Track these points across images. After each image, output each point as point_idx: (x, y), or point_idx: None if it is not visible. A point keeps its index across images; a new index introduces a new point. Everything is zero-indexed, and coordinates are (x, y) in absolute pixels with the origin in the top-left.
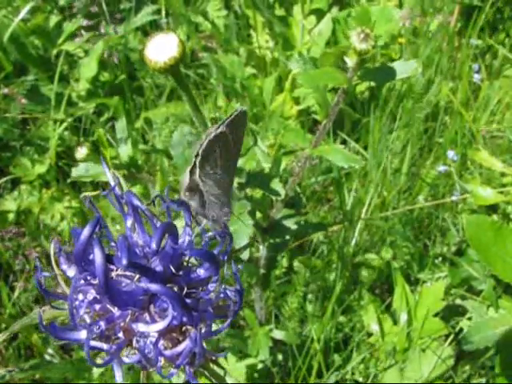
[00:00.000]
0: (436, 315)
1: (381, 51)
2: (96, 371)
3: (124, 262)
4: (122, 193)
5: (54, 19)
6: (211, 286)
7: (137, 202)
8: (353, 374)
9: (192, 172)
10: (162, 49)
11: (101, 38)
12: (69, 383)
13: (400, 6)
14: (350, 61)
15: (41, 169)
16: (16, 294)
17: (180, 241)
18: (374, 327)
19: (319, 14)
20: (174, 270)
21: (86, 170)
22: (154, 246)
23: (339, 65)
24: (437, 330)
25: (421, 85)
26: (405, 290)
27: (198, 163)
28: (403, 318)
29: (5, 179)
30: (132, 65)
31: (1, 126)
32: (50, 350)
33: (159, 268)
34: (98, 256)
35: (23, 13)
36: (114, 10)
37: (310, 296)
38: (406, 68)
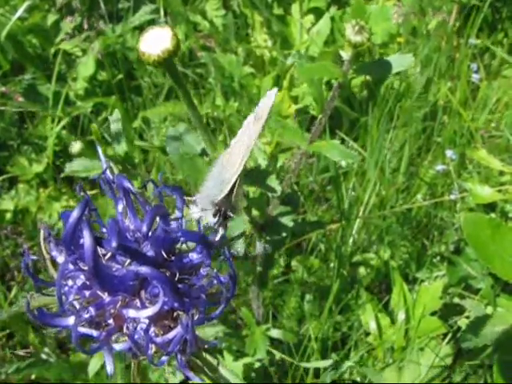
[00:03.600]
0: (434, 314)
1: (379, 50)
2: (91, 370)
3: (114, 244)
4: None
5: (51, 18)
6: (204, 271)
7: (128, 185)
8: (351, 373)
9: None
10: (155, 42)
11: (99, 37)
12: (65, 383)
13: (397, 4)
14: (346, 54)
15: (38, 168)
16: (13, 293)
17: (172, 225)
18: (372, 326)
19: (317, 12)
20: (165, 255)
21: (79, 165)
22: (144, 228)
23: (337, 61)
24: (435, 328)
25: (419, 84)
26: (403, 289)
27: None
28: (401, 316)
29: (2, 178)
30: (130, 64)
31: None
32: (46, 350)
33: (150, 253)
34: (86, 238)
35: (20, 11)
36: (112, 8)
37: (307, 295)
38: (402, 62)
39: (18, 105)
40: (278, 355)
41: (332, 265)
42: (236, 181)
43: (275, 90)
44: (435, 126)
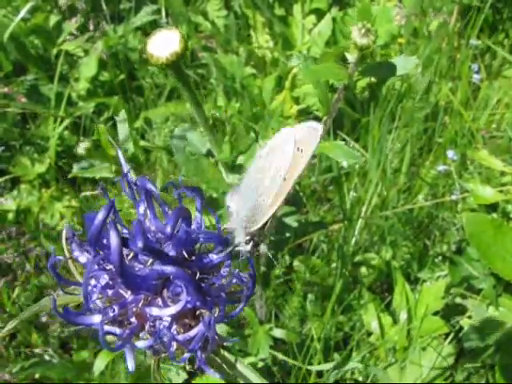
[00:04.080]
0: (436, 314)
1: (380, 51)
2: (97, 369)
3: (139, 245)
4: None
5: (53, 19)
6: (224, 271)
7: (150, 187)
8: (352, 373)
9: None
10: (164, 44)
11: (100, 37)
12: (68, 383)
13: (398, 5)
14: (351, 56)
15: (40, 168)
16: (16, 293)
17: (192, 227)
18: (374, 326)
19: (319, 13)
20: (186, 256)
21: (87, 166)
22: (168, 229)
23: (339, 63)
24: (437, 328)
25: (421, 85)
26: (405, 289)
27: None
28: (403, 316)
29: (4, 178)
30: (132, 64)
31: (0, 126)
32: (49, 350)
33: (172, 253)
34: (113, 238)
35: (23, 12)
36: (114, 9)
37: (310, 295)
38: (406, 64)
39: (20, 105)
40: (280, 355)
41: (334, 265)
42: (272, 215)
43: (320, 125)
44: (436, 126)
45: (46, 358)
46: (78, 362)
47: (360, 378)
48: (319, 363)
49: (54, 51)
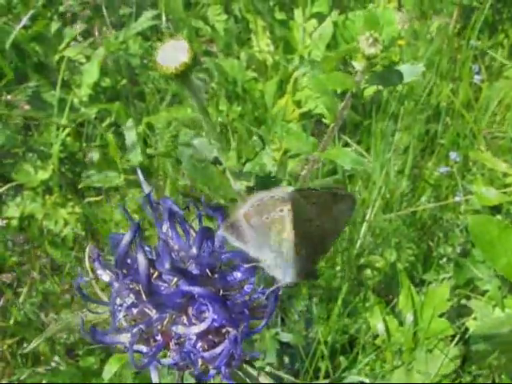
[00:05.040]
0: (441, 316)
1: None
2: (106, 374)
3: (167, 265)
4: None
5: (54, 26)
6: (248, 288)
7: (174, 208)
8: (358, 374)
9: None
10: (172, 55)
11: (101, 43)
12: None
13: (400, 8)
14: (359, 65)
15: (44, 175)
16: (21, 299)
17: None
18: (380, 328)
19: (320, 17)
20: (209, 274)
21: (96, 176)
22: (194, 250)
23: (343, 68)
24: (443, 330)
25: (421, 87)
26: (410, 291)
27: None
28: (409, 318)
29: (8, 186)
30: (133, 70)
31: (3, 133)
32: (56, 357)
33: (196, 271)
34: (141, 259)
35: (24, 20)
36: (114, 15)
37: (315, 299)
38: (412, 71)
39: (22, 113)
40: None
41: (339, 268)
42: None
43: (284, 192)
44: (438, 128)
45: (53, 364)
46: (85, 368)
47: (367, 380)
48: (326, 366)
49: (56, 58)
